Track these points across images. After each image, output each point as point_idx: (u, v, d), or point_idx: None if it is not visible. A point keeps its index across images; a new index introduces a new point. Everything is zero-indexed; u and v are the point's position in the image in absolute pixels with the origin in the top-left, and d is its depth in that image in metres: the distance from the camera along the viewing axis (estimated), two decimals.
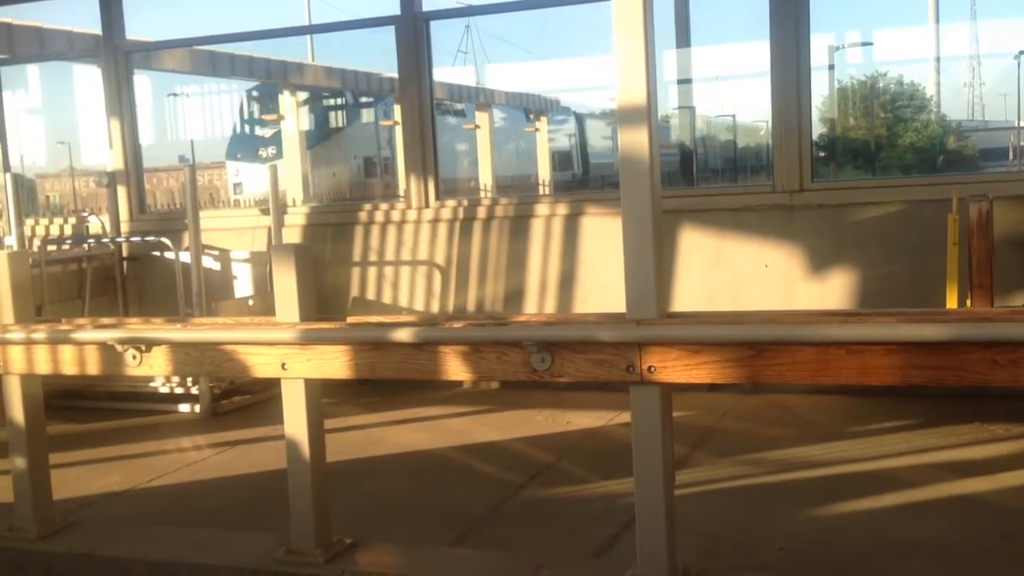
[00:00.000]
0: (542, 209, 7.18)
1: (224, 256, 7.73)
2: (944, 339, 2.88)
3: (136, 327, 4.04)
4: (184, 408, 6.74)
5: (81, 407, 6.79)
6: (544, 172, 21.17)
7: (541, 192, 20.27)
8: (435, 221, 7.43)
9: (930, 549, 3.88)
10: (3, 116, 8.85)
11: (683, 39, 9.30)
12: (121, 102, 8.29)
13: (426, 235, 7.46)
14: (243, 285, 7.63)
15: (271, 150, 21.85)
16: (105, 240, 7.91)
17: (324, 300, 7.17)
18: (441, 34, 7.85)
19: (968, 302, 5.28)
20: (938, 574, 3.70)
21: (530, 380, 3.35)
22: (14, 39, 9.23)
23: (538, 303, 7.18)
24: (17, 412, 4.18)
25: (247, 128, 23.38)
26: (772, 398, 6.25)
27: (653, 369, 3.18)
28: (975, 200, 5.25)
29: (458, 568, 3.80)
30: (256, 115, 23.25)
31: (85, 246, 7.88)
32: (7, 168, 8.33)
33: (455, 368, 3.45)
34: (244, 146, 22.85)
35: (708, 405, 6.06)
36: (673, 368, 3.17)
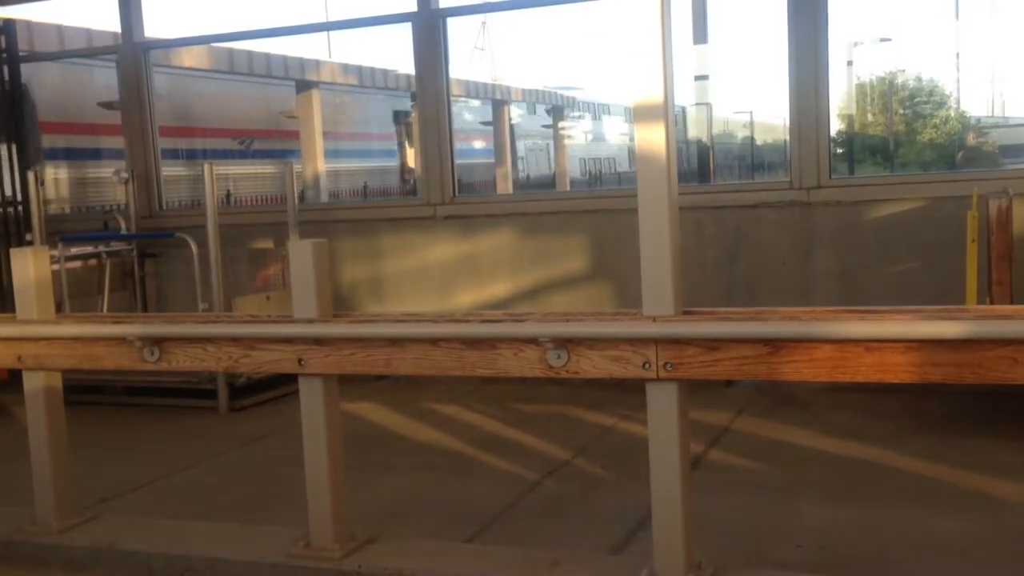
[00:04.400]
0: (559, 205, 7.17)
1: (242, 252, 7.76)
2: (963, 337, 2.87)
3: (154, 323, 4.07)
4: (202, 403, 6.77)
5: (100, 402, 6.84)
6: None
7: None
8: (452, 218, 7.44)
9: (950, 548, 3.86)
10: (25, 116, 8.88)
11: (700, 35, 9.28)
12: (140, 99, 8.34)
13: (443, 232, 7.47)
14: (261, 281, 7.66)
15: None
16: (125, 236, 7.96)
17: (341, 296, 7.20)
18: (457, 31, 7.84)
19: (988, 299, 5.24)
20: (958, 573, 3.68)
21: (546, 377, 3.35)
22: (34, 37, 9.30)
23: (555, 300, 7.17)
24: (37, 407, 4.22)
25: None
26: (790, 395, 6.23)
27: (670, 366, 3.17)
28: (995, 196, 5.20)
29: (474, 563, 3.80)
30: None
31: (104, 243, 7.93)
32: (31, 166, 8.37)
33: (471, 364, 3.45)
34: None
35: (725, 402, 6.05)
36: (690, 365, 3.16)
